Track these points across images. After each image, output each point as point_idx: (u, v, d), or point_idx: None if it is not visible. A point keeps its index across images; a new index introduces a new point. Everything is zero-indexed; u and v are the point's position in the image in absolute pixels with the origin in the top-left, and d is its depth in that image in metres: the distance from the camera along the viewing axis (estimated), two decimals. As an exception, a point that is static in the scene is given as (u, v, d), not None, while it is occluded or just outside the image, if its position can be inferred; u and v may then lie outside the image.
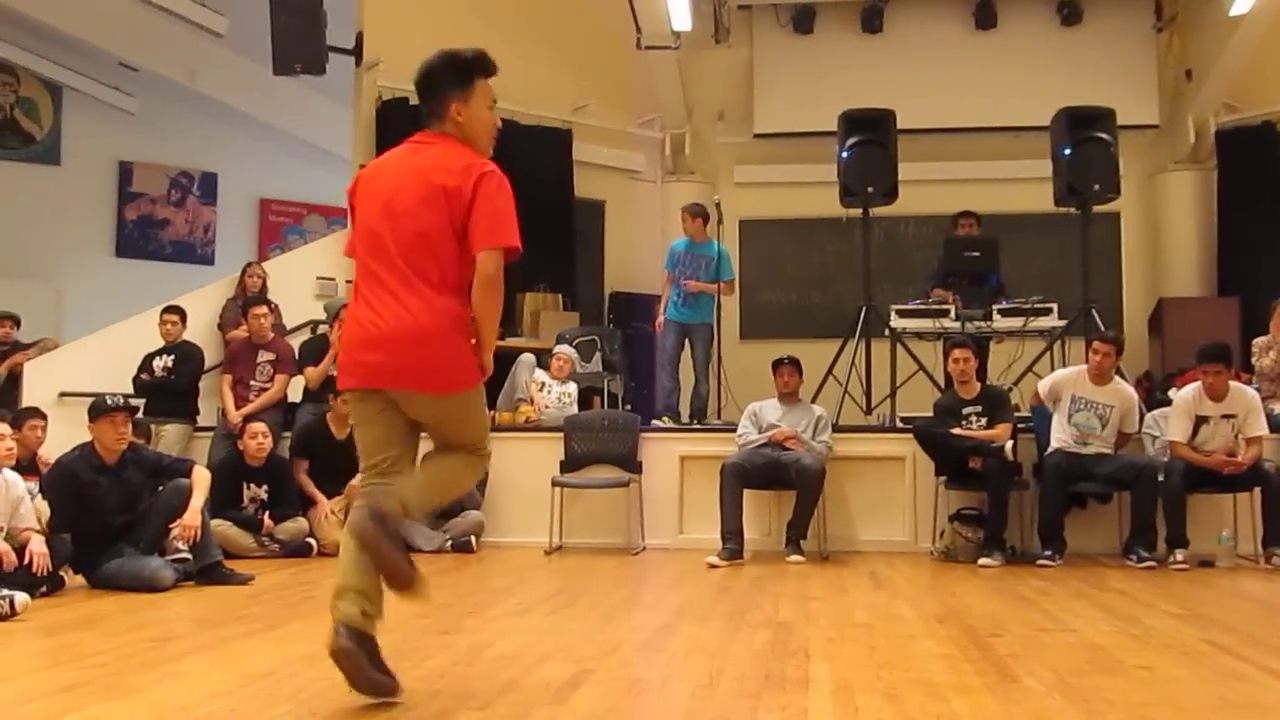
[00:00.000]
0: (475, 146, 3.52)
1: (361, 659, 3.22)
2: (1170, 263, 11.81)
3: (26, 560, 5.44)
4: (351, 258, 3.58)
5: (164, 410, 8.42)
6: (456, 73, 3.52)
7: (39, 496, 6.25)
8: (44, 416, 7.56)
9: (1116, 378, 7.50)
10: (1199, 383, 7.17)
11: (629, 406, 9.83)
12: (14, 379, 8.99)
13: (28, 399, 8.56)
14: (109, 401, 6.15)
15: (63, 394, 8.67)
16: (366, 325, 3.41)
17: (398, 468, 3.48)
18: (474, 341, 3.44)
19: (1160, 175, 11.96)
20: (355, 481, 3.66)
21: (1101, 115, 8.68)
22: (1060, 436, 7.37)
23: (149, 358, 8.68)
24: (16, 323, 9.44)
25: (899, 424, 8.30)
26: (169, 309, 8.87)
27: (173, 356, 8.67)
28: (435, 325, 3.37)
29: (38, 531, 5.72)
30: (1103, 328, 8.33)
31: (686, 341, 9.19)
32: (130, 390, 8.24)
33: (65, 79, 13.70)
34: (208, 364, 9.05)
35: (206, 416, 8.87)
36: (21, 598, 5.03)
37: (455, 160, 3.44)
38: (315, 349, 8.87)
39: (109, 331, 9.39)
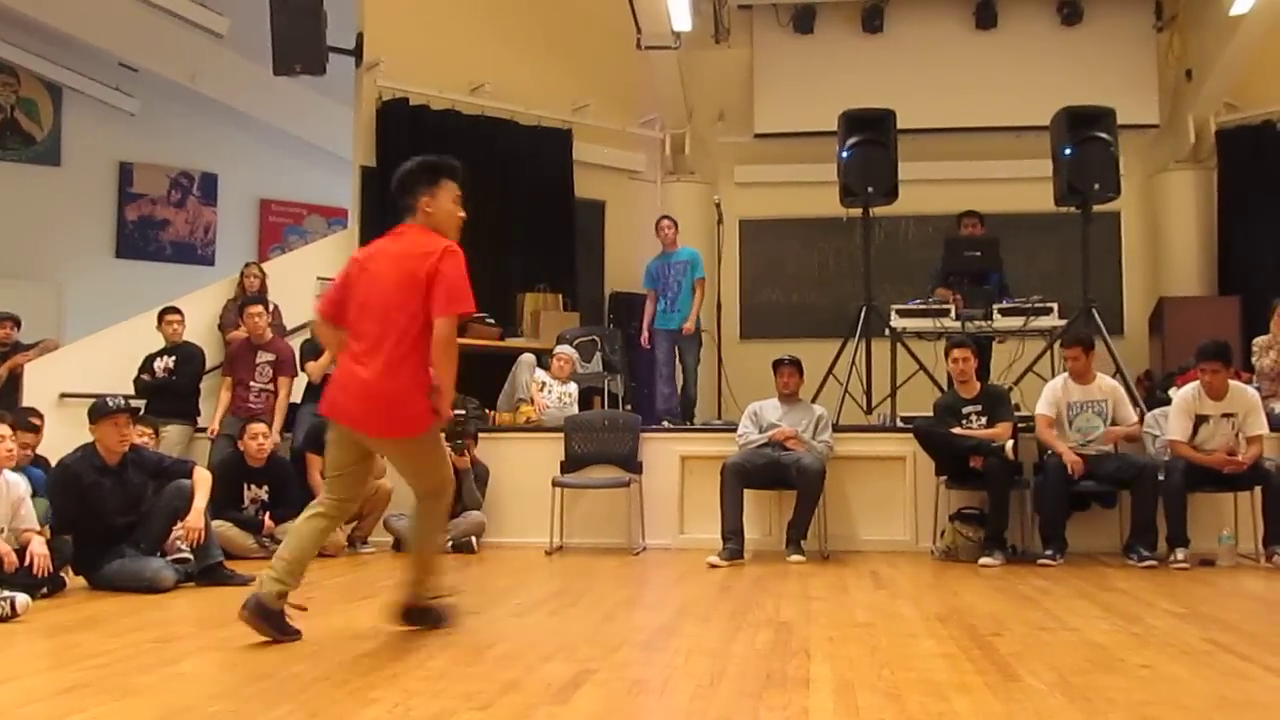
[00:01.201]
0: (443, 234, 4.36)
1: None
2: (1171, 262, 11.81)
3: (27, 561, 5.44)
4: (328, 318, 4.49)
5: (165, 411, 8.39)
6: (426, 174, 4.42)
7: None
8: (40, 416, 7.53)
9: (1099, 374, 7.50)
10: (1198, 382, 7.17)
11: (629, 407, 9.83)
12: (15, 380, 8.98)
13: (28, 400, 8.54)
14: (110, 403, 6.15)
15: (63, 395, 8.68)
16: (350, 375, 4.32)
17: (346, 484, 4.45)
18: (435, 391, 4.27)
19: (1161, 175, 11.96)
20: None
21: (1102, 115, 8.67)
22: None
23: (150, 358, 8.68)
24: (17, 324, 9.43)
25: (899, 424, 8.30)
26: (170, 309, 8.88)
27: (174, 357, 8.67)
28: (395, 385, 4.23)
29: (38, 533, 5.72)
30: (1103, 327, 8.34)
31: (677, 347, 9.44)
32: (131, 391, 8.24)
33: (66, 79, 13.69)
34: (208, 365, 9.05)
35: (207, 417, 8.86)
36: (22, 599, 5.03)
37: (421, 246, 4.29)
38: (316, 347, 8.86)
39: (109, 332, 9.39)
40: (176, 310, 8.88)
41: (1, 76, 13.54)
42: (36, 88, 13.75)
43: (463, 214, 4.48)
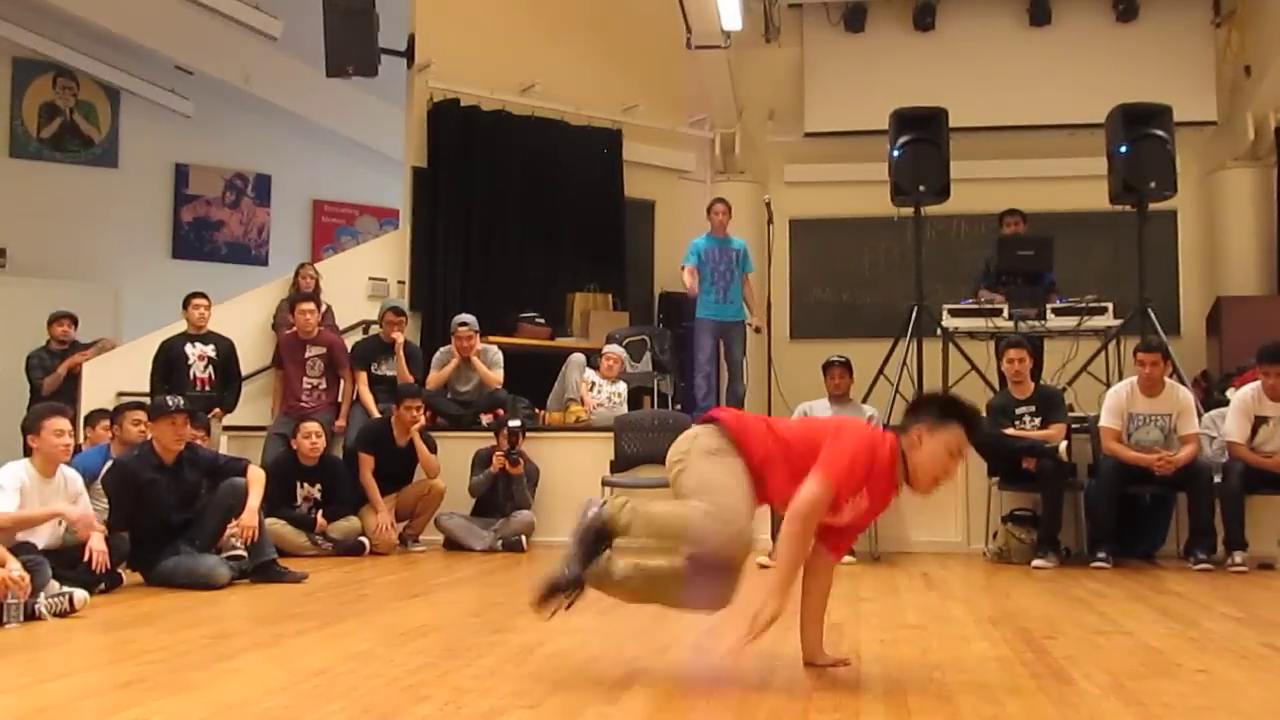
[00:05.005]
0: (915, 478, 3.58)
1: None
2: (1228, 261, 11.62)
3: (86, 557, 5.52)
4: None
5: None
6: (942, 407, 3.63)
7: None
8: (143, 408, 7.11)
9: (1169, 381, 7.33)
10: (1258, 382, 7.05)
11: (679, 406, 9.81)
12: (73, 379, 9.11)
13: (86, 398, 8.68)
14: (169, 403, 6.23)
15: (120, 394, 8.78)
16: None
17: None
18: None
19: (1218, 172, 11.78)
20: None
21: (1158, 112, 8.56)
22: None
23: (179, 344, 8.50)
24: (75, 322, 9.57)
25: (951, 424, 8.21)
26: (197, 294, 8.63)
27: (211, 346, 8.53)
28: None
29: (97, 528, 5.80)
30: (1159, 327, 8.21)
31: (721, 342, 9.27)
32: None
33: (123, 83, 13.87)
34: (259, 365, 9.12)
35: (248, 418, 8.93)
36: (81, 594, 5.12)
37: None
38: (365, 351, 8.92)
39: (165, 332, 9.48)
40: (204, 295, 8.65)
41: (61, 80, 13.75)
42: (95, 91, 13.94)
43: (953, 472, 3.62)
